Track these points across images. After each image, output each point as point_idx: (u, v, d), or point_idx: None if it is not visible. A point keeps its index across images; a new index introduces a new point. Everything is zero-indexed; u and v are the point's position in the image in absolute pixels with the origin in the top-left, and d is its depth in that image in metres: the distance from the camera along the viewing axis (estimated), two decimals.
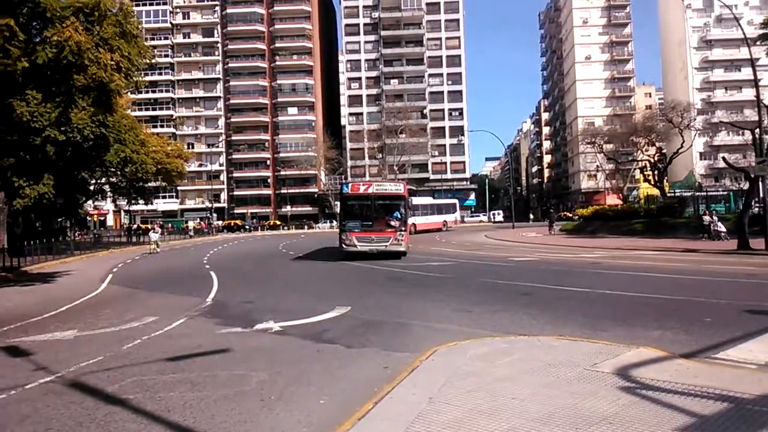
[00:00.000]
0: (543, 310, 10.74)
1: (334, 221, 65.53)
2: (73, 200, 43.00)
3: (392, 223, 22.47)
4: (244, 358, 7.87)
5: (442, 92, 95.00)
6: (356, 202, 23.13)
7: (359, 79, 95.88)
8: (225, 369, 7.33)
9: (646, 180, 51.74)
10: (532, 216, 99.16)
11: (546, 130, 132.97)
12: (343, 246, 22.36)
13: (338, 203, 23.33)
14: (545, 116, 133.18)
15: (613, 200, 74.82)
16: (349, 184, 23.58)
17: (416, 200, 52.56)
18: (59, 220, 50.52)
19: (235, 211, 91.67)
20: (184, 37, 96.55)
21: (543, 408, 5.30)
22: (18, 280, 20.91)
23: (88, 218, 79.22)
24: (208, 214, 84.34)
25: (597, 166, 79.18)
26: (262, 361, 7.70)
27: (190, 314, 11.63)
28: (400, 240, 22.25)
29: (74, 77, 17.42)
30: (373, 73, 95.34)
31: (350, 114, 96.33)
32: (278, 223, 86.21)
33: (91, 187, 46.29)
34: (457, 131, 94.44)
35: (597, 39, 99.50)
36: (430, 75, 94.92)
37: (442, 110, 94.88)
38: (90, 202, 60.37)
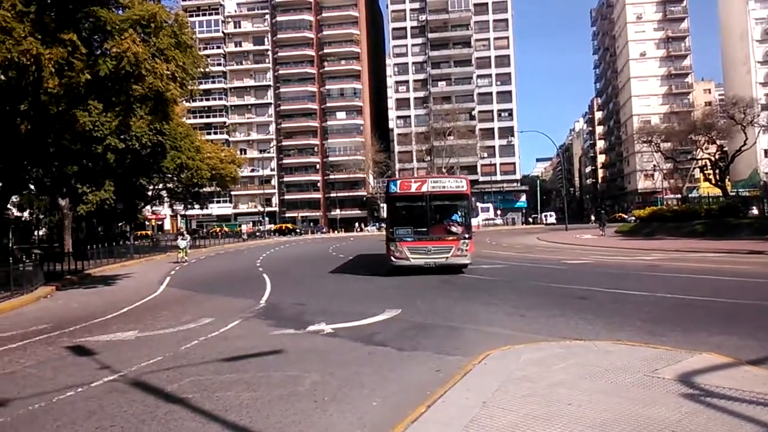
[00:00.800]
0: (598, 314, 10.45)
1: (382, 224, 64.45)
2: (132, 205, 44.81)
3: (453, 228, 18.05)
4: (297, 360, 7.99)
5: (491, 93, 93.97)
6: (407, 203, 18.54)
7: (407, 82, 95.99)
8: (279, 370, 7.46)
9: (706, 179, 49.66)
10: (593, 217, 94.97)
11: (599, 129, 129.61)
12: (392, 259, 17.94)
13: (384, 205, 19.50)
14: (598, 115, 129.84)
15: (670, 200, 72.17)
16: (398, 182, 18.73)
17: None
18: (119, 224, 52.63)
19: (286, 215, 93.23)
20: (236, 46, 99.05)
21: (601, 415, 5.15)
22: (82, 282, 21.87)
23: (147, 223, 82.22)
24: (260, 218, 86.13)
25: (654, 165, 76.54)
26: (314, 362, 7.79)
27: (245, 316, 11.88)
28: (464, 250, 17.64)
29: (132, 87, 18.07)
30: (421, 76, 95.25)
31: (398, 117, 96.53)
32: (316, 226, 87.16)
33: (149, 193, 48.11)
34: (507, 132, 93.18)
35: (652, 35, 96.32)
36: (479, 76, 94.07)
37: (491, 111, 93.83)
38: (148, 207, 62.79)
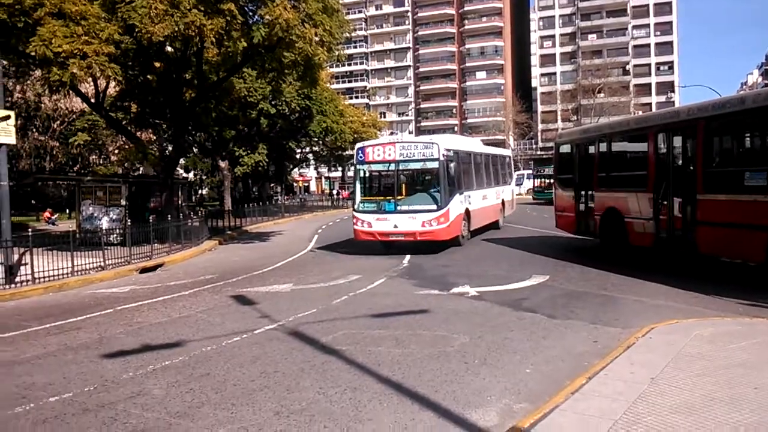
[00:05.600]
0: None
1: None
2: (282, 167, 47.67)
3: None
4: (443, 320, 7.95)
5: (648, 45, 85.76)
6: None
7: (552, 36, 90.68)
8: (427, 329, 7.47)
9: None
10: None
11: None
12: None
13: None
14: None
15: None
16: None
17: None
18: (271, 185, 56.39)
19: None
20: (377, 9, 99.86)
21: None
22: (240, 237, 23.78)
23: (294, 184, 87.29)
24: None
25: None
26: (461, 324, 7.70)
27: (389, 275, 12.11)
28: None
29: (284, 54, 18.87)
30: (568, 29, 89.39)
31: (542, 75, 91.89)
32: None
33: (297, 156, 50.78)
34: (666, 87, 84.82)
35: None
36: (634, 27, 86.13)
37: (648, 65, 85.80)
38: (296, 169, 66.49)
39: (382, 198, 15.91)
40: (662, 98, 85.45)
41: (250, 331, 7.71)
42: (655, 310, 8.06)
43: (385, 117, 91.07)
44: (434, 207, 15.10)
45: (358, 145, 16.63)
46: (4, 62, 14.08)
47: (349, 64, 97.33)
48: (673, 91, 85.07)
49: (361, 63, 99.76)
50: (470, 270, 12.45)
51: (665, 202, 11.17)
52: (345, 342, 6.94)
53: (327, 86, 47.41)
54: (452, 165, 15.41)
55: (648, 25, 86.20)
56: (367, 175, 16.61)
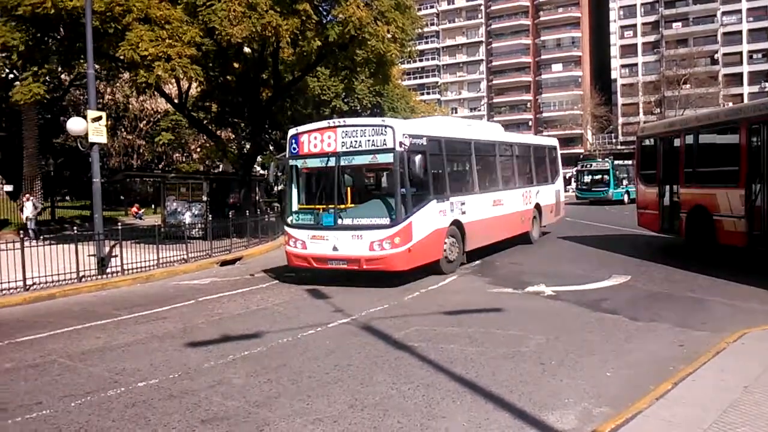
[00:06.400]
0: None
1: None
2: None
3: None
4: (518, 320, 7.78)
5: (740, 32, 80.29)
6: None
7: (634, 26, 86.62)
8: (500, 328, 7.33)
9: None
10: None
11: None
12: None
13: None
14: None
15: None
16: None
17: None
18: None
19: None
20: (449, 3, 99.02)
21: None
22: None
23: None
24: None
25: None
26: (537, 324, 7.50)
27: (461, 272, 11.97)
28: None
29: (356, 52, 19.09)
30: (651, 18, 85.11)
31: (622, 66, 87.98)
32: None
33: None
34: (760, 77, 79.23)
35: None
36: (724, 13, 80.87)
37: (739, 53, 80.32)
38: None
39: (321, 207, 11.11)
40: (755, 88, 79.72)
41: (324, 324, 7.85)
42: (747, 315, 7.55)
43: (456, 113, 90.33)
44: (386, 221, 10.32)
45: (291, 131, 11.65)
46: (97, 66, 15.00)
47: (421, 60, 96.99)
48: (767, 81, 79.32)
49: (433, 58, 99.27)
50: (545, 268, 12.11)
51: (759, 199, 10.43)
52: (417, 338, 6.93)
53: (398, 83, 47.53)
54: (418, 159, 10.14)
55: (740, 11, 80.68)
56: (304, 173, 11.69)
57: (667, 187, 13.79)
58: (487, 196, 13.65)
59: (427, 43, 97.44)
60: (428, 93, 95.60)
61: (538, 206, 16.45)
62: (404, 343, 6.73)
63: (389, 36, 18.38)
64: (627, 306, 8.34)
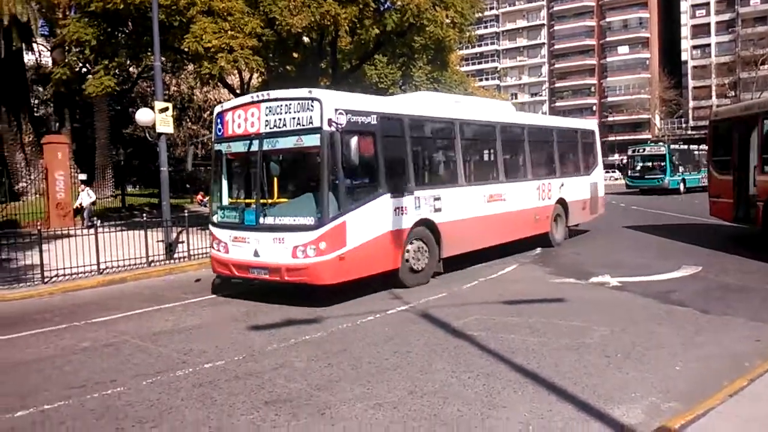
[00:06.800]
0: None
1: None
2: None
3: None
4: (581, 310, 7.58)
5: None
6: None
7: (707, 4, 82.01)
8: (563, 319, 7.17)
9: None
10: None
11: None
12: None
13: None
14: None
15: None
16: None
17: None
18: None
19: None
20: None
21: None
22: None
23: None
24: None
25: None
26: (601, 315, 7.30)
27: (521, 261, 11.78)
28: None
29: (414, 39, 18.96)
30: None
31: (693, 47, 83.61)
32: None
33: None
34: None
35: None
36: None
37: None
38: None
39: (245, 202, 9.44)
40: None
41: (383, 311, 7.90)
42: None
43: (516, 98, 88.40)
44: (311, 221, 8.18)
45: (217, 108, 9.72)
46: (163, 59, 15.56)
47: (480, 45, 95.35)
48: None
49: (492, 43, 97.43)
50: (609, 258, 11.76)
51: None
52: (477, 327, 6.87)
53: (456, 69, 46.89)
54: (354, 141, 7.98)
55: None
56: (230, 160, 9.69)
57: (743, 175, 13.08)
58: (477, 189, 11.19)
59: (486, 27, 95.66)
60: (487, 79, 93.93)
61: (562, 202, 13.89)
62: (463, 332, 6.69)
63: (448, 21, 18.16)
64: (698, 298, 7.99)
